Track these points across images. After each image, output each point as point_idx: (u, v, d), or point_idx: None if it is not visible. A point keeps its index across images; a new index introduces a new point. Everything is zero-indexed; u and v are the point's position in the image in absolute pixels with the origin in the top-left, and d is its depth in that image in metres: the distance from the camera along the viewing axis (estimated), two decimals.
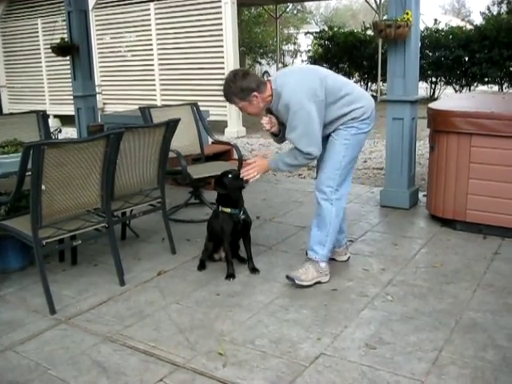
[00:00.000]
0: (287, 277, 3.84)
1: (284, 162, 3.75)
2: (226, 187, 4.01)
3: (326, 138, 3.78)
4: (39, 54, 14.46)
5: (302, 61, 23.22)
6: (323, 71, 3.79)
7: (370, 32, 17.79)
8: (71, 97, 8.20)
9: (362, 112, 3.71)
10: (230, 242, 4.07)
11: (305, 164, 3.85)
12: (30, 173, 3.37)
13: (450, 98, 7.60)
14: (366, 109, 3.74)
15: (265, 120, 3.82)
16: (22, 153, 3.39)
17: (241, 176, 3.88)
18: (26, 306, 3.70)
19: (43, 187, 3.40)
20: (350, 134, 3.71)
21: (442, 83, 16.82)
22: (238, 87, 3.59)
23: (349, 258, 4.30)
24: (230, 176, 4.03)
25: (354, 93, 3.75)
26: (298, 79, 3.64)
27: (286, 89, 3.58)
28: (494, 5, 18.27)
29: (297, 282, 3.79)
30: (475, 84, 16.09)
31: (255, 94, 3.60)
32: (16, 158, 3.77)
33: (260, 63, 27.21)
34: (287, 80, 3.64)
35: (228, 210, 4.04)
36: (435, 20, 16.83)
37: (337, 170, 3.74)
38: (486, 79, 15.59)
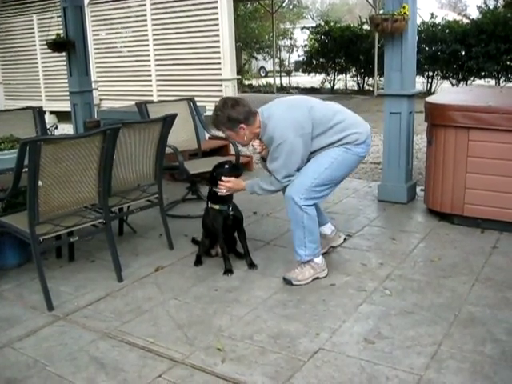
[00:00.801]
0: (284, 279, 3.83)
1: (260, 186, 3.81)
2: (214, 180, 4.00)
3: None
4: (35, 50, 14.41)
5: (299, 56, 23.13)
6: (311, 102, 3.76)
7: (366, 26, 17.79)
8: (67, 93, 8.18)
9: (355, 138, 3.69)
10: (224, 237, 4.07)
11: (280, 189, 3.81)
12: (26, 169, 3.36)
13: (447, 92, 7.59)
14: (360, 135, 3.71)
15: (256, 143, 3.84)
16: (19, 149, 3.37)
17: (218, 186, 3.92)
18: (23, 303, 3.69)
19: (40, 183, 3.39)
20: (340, 151, 3.69)
21: (439, 77, 16.80)
22: (226, 116, 3.59)
23: (345, 239, 4.36)
24: (226, 166, 4.01)
25: (347, 120, 3.72)
26: (285, 112, 3.64)
27: (272, 121, 3.59)
28: None
29: (294, 282, 3.78)
30: (472, 78, 16.08)
31: (242, 125, 3.61)
32: (12, 155, 3.75)
33: (256, 58, 27.16)
34: (274, 112, 3.64)
35: (216, 206, 4.05)
36: (432, 14, 16.80)
37: (314, 180, 3.65)
38: (483, 73, 15.57)
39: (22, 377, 2.85)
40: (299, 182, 3.67)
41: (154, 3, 12.23)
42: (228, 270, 4.01)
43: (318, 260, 3.86)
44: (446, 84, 16.68)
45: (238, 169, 4.02)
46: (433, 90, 16.44)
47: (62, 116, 13.48)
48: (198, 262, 4.22)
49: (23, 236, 3.60)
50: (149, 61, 12.61)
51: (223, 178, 3.90)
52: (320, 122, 3.62)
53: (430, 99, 5.19)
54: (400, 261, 4.16)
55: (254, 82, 23.48)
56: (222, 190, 3.91)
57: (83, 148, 3.56)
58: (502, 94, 5.86)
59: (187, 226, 5.05)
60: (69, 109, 8.25)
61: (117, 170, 4.12)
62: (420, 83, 15.59)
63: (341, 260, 4.21)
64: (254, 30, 24.38)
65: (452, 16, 19.06)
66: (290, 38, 26.29)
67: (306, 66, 20.62)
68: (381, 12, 5.60)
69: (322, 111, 3.68)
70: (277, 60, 23.36)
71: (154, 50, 12.46)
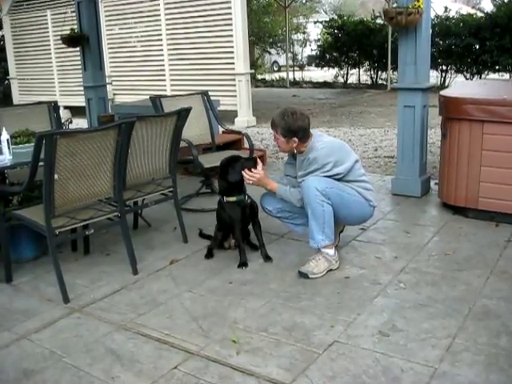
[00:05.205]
0: (300, 273, 3.83)
1: (286, 193, 3.97)
2: (229, 175, 4.04)
3: None
4: (49, 45, 14.46)
5: (312, 50, 23.07)
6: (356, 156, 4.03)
7: (379, 21, 17.72)
8: (81, 88, 8.22)
9: (371, 194, 4.01)
10: (240, 228, 4.09)
11: (296, 201, 3.95)
12: (42, 163, 3.39)
13: (461, 85, 7.55)
14: (374, 197, 4.05)
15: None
16: (35, 142, 3.40)
17: (245, 177, 3.97)
18: (39, 295, 3.73)
19: (56, 177, 3.42)
20: (362, 198, 3.93)
21: (453, 71, 16.69)
22: (288, 125, 3.79)
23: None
24: (241, 161, 4.05)
25: (370, 184, 4.07)
26: (336, 145, 3.99)
27: (320, 147, 3.81)
28: None
29: (310, 276, 3.79)
30: (486, 72, 15.96)
31: (295, 139, 3.82)
32: (28, 149, 3.78)
33: (269, 53, 27.11)
34: (326, 141, 3.92)
35: (234, 198, 4.07)
36: (445, 8, 16.70)
37: (330, 187, 3.79)
38: (497, 67, 15.46)
39: (38, 368, 2.89)
40: (320, 177, 3.80)
41: None
42: (243, 263, 4.02)
43: (331, 252, 3.88)
44: (460, 78, 16.57)
45: (252, 161, 4.04)
46: (446, 84, 16.33)
47: (75, 111, 13.54)
48: (209, 254, 4.24)
49: (39, 229, 3.63)
50: (162, 55, 12.61)
51: (252, 170, 3.97)
52: (355, 173, 3.92)
53: (444, 93, 5.17)
54: (414, 254, 4.15)
55: (267, 77, 23.46)
56: (248, 181, 3.99)
57: (98, 142, 3.59)
58: None
59: (201, 219, 5.07)
60: (83, 104, 8.29)
61: (131, 163, 4.14)
62: (434, 77, 15.49)
63: (355, 253, 4.21)
64: (267, 25, 24.30)
65: (466, 9, 18.90)
66: (303, 33, 26.21)
67: (319, 60, 20.57)
68: (395, 5, 5.57)
69: (360, 168, 4.01)
70: (290, 54, 23.31)
71: (168, 44, 12.46)
